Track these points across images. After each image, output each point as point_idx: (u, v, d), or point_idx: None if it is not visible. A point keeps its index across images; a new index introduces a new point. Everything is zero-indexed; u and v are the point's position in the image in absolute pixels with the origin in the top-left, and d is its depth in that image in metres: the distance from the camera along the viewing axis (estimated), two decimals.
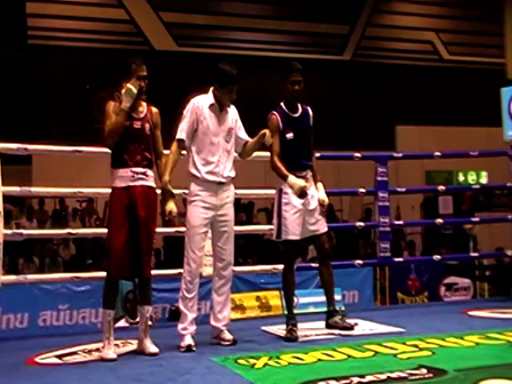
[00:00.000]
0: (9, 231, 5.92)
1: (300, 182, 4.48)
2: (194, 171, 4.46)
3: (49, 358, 4.25)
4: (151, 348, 4.20)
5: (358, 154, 6.35)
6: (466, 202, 13.50)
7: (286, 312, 4.81)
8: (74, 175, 10.57)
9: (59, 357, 4.26)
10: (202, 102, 4.51)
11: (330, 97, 14.27)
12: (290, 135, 4.68)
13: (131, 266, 4.19)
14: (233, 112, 4.63)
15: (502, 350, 3.91)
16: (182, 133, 4.50)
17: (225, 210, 4.50)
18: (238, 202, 11.77)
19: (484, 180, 15.65)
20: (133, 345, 4.51)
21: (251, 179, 9.81)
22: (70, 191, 6.03)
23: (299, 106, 4.83)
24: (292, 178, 4.52)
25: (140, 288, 4.42)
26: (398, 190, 6.65)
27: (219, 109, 4.53)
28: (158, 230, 7.07)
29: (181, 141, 4.50)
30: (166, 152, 4.56)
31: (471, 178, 15.82)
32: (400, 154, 7.05)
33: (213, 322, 4.52)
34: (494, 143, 7.45)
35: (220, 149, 4.48)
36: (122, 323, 6.77)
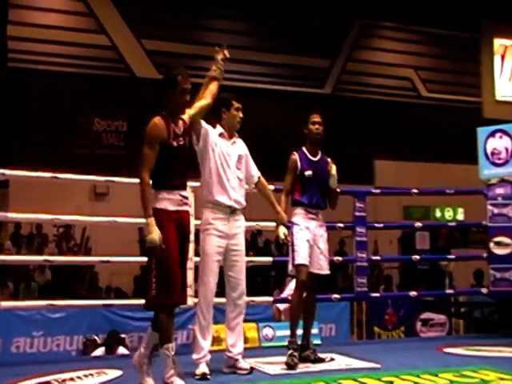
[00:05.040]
0: None
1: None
2: (207, 196, 4.51)
3: None
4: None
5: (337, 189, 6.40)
6: (442, 238, 13.65)
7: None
8: (51, 200, 10.49)
9: None
10: (211, 130, 4.60)
11: None
12: (308, 173, 4.91)
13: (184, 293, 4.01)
14: (242, 144, 4.75)
15: None
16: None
17: (237, 240, 4.55)
18: None
19: (460, 216, 15.83)
20: (107, 374, 4.46)
21: None
22: (48, 218, 5.96)
23: (319, 152, 5.07)
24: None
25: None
26: (376, 225, 6.72)
27: (228, 137, 4.64)
28: (137, 259, 7.10)
29: None
30: None
31: (448, 214, 16.00)
32: (378, 191, 7.15)
33: (227, 352, 4.53)
34: (470, 181, 7.58)
35: (232, 175, 4.56)
36: (98, 352, 6.73)
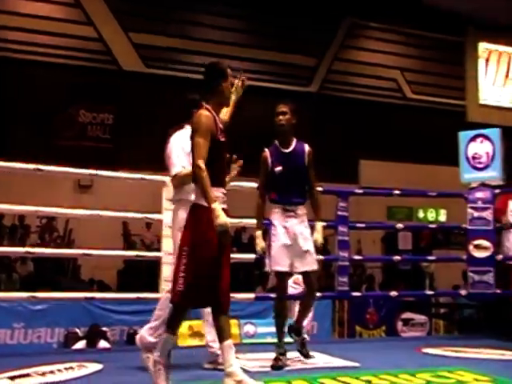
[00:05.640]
0: None
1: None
2: (185, 196, 4.45)
3: (1, 379, 4.14)
4: None
5: (319, 188, 6.43)
6: (424, 239, 13.78)
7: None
8: (35, 191, 10.44)
9: (12, 378, 4.15)
10: (183, 135, 4.58)
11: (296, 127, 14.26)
12: (278, 169, 4.72)
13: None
14: None
15: None
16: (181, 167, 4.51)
17: None
18: None
19: (443, 218, 15.98)
20: (88, 368, 4.48)
21: None
22: (30, 209, 5.92)
23: (294, 141, 4.82)
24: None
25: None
26: (358, 225, 6.74)
27: None
28: (119, 252, 7.08)
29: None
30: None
31: (430, 215, 16.14)
32: (361, 191, 7.21)
33: (208, 348, 4.57)
34: (454, 183, 7.64)
35: None
36: (79, 345, 6.72)
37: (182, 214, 4.38)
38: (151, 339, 4.41)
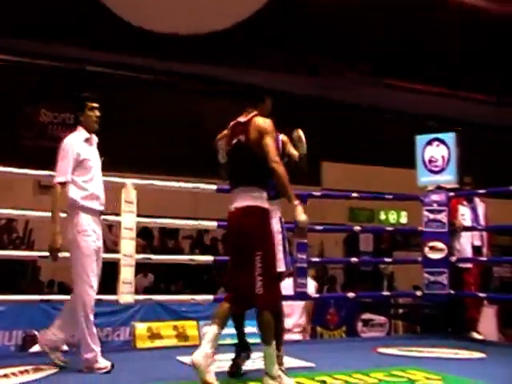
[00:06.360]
0: None
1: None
2: (83, 202, 4.49)
3: None
4: None
5: None
6: (385, 241, 13.98)
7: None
8: None
9: None
10: (76, 139, 4.55)
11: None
12: None
13: None
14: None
15: None
16: (67, 176, 4.50)
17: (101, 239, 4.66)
18: (163, 229, 11.83)
19: (404, 219, 16.19)
20: (44, 371, 4.44)
21: (178, 209, 9.85)
22: None
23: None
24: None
25: None
26: (317, 228, 6.82)
27: (92, 140, 4.64)
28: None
29: (65, 183, 4.50)
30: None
31: (392, 217, 16.34)
32: (319, 193, 7.29)
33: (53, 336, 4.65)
34: (414, 186, 7.76)
35: (100, 180, 4.65)
36: (36, 348, 6.65)
37: (78, 219, 4.45)
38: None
